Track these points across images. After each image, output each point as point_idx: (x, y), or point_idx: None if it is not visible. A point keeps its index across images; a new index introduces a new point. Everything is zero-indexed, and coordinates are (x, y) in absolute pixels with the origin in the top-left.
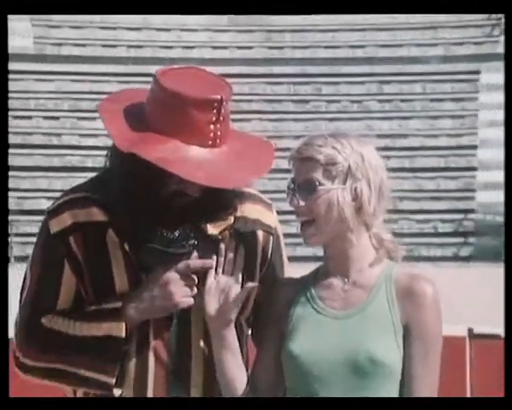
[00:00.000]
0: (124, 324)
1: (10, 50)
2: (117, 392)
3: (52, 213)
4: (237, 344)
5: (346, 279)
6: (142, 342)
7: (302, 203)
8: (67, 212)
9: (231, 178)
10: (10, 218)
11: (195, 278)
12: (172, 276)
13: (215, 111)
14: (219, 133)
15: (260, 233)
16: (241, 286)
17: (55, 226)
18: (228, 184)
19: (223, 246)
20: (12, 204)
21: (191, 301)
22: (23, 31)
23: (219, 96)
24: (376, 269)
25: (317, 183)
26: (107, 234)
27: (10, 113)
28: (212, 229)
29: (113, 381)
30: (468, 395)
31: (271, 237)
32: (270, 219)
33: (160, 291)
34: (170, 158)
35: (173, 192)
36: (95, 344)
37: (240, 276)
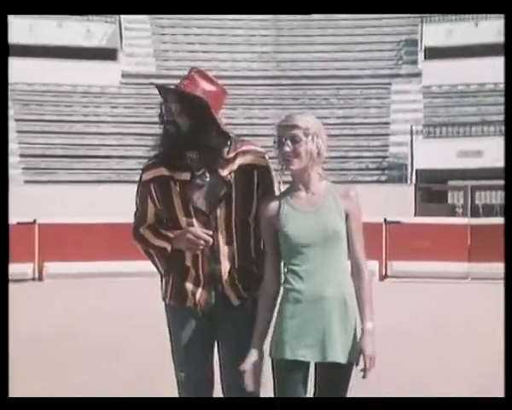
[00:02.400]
0: (170, 245)
1: (143, 72)
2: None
3: (145, 169)
4: None
5: (307, 190)
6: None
7: (289, 149)
8: (151, 170)
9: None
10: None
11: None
12: (189, 238)
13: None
14: None
15: (255, 172)
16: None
17: (144, 177)
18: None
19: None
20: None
21: (196, 250)
22: (149, 63)
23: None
24: (321, 185)
25: (299, 138)
26: (170, 182)
27: (141, 104)
28: (223, 171)
29: (163, 272)
30: (384, 255)
31: (263, 173)
32: (263, 162)
33: (185, 244)
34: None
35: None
36: (158, 249)
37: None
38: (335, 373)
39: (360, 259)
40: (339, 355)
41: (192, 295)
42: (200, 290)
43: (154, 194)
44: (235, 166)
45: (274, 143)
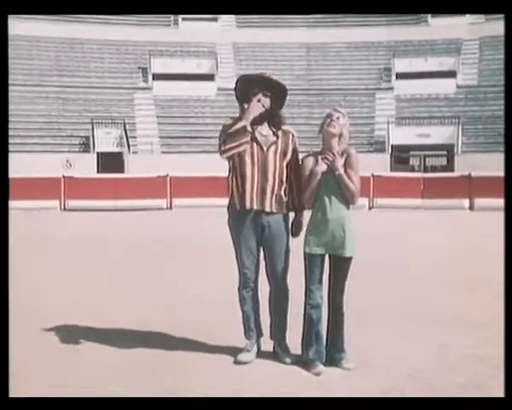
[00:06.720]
0: (246, 124)
1: (224, 86)
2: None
3: (229, 125)
4: None
5: (333, 151)
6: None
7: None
8: (235, 125)
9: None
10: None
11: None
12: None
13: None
14: None
15: (290, 135)
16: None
17: (229, 129)
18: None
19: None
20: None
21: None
22: (233, 82)
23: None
24: (340, 148)
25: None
26: (247, 129)
27: (229, 106)
28: (273, 128)
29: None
30: (371, 195)
31: (292, 136)
32: (291, 131)
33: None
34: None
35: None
36: (233, 130)
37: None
38: (339, 264)
39: (354, 193)
40: (338, 251)
41: (251, 201)
42: (255, 199)
43: (236, 136)
44: (279, 128)
45: (328, 123)
